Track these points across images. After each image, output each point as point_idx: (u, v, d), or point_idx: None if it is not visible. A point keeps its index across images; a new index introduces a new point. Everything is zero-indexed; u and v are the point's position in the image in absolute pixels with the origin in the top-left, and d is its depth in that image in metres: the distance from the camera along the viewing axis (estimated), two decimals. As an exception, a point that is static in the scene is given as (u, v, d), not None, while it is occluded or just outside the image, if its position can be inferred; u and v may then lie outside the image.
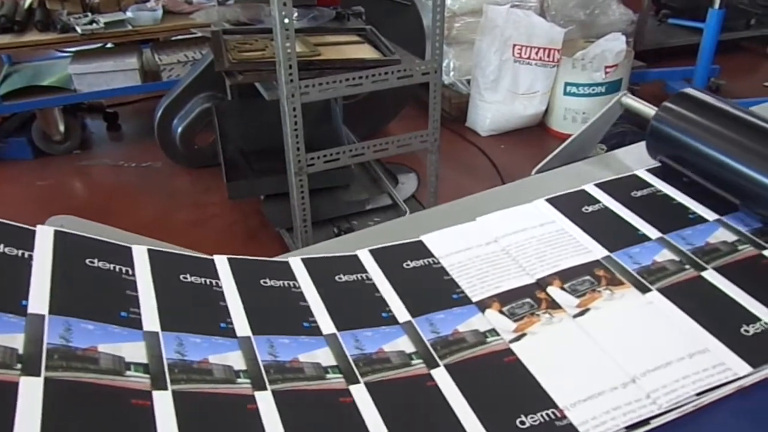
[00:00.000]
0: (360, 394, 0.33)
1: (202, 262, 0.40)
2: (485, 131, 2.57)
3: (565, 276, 0.42)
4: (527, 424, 0.32)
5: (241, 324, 0.36)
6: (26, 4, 2.42)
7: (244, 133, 2.05)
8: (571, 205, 0.48)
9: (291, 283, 0.40)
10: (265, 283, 0.40)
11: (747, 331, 0.37)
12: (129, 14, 2.37)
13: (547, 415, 0.33)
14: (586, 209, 0.48)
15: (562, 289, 0.41)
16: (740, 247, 0.44)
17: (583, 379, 0.34)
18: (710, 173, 0.46)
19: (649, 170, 0.51)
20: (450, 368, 0.35)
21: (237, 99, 2.16)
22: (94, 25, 2.28)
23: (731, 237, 0.45)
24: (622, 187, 0.50)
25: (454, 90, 2.72)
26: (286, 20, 1.37)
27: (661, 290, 0.39)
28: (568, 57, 2.45)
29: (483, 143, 2.51)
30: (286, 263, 0.42)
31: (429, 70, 1.60)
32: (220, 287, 0.39)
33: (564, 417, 0.33)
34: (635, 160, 0.53)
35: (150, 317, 0.34)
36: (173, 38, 2.62)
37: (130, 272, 0.37)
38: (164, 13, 2.41)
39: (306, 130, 1.53)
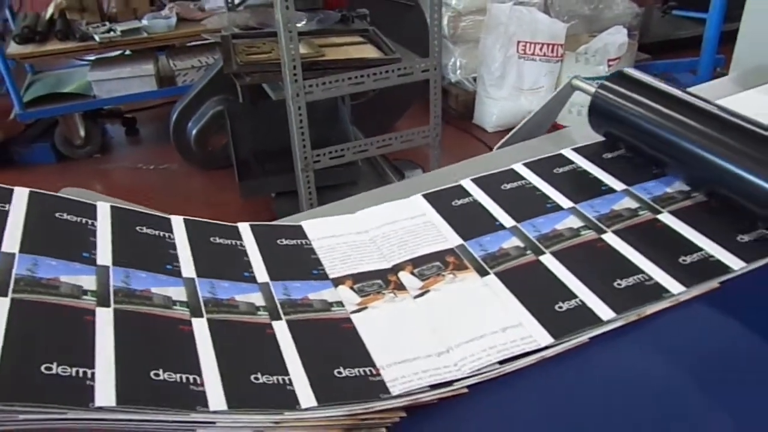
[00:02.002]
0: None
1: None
2: (492, 127, 2.62)
3: (417, 262, 0.47)
4: (343, 374, 0.37)
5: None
6: (47, 15, 2.53)
7: (256, 134, 2.13)
8: (442, 200, 0.54)
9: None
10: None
11: (561, 307, 0.41)
12: (144, 22, 2.46)
13: (364, 371, 0.38)
14: (455, 203, 0.53)
15: (412, 273, 0.46)
16: (640, 212, 0.49)
17: (405, 347, 0.40)
18: (641, 142, 0.52)
19: (574, 149, 0.57)
20: (291, 324, 0.41)
21: (248, 101, 2.24)
22: (112, 33, 2.38)
23: (633, 204, 0.50)
24: (546, 165, 0.55)
25: (461, 87, 2.77)
26: (289, 23, 1.44)
27: (497, 273, 0.45)
28: (571, 52, 2.49)
29: (490, 139, 2.56)
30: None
31: (429, 68, 1.66)
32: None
33: (378, 374, 0.37)
34: (585, 136, 0.59)
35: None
36: (187, 44, 2.71)
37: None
38: (178, 21, 2.50)
39: (314, 129, 1.60)
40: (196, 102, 2.34)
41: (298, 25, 1.71)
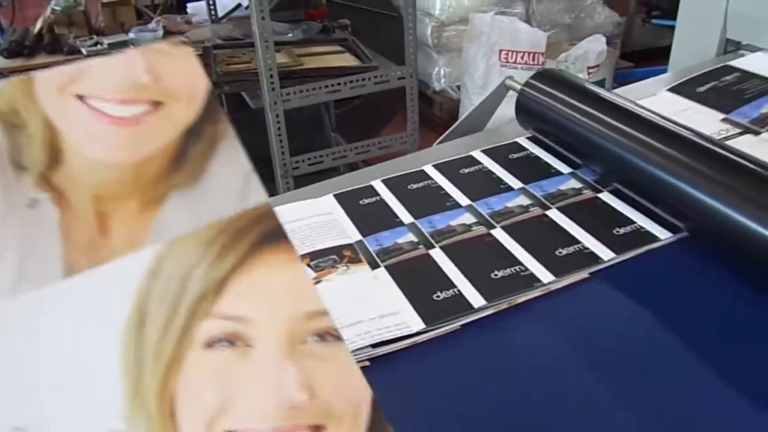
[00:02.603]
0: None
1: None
2: (476, 134, 2.65)
3: (315, 255, 0.49)
4: None
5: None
6: (36, 30, 2.56)
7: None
8: (351, 199, 0.57)
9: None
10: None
11: (438, 296, 0.45)
12: (131, 35, 2.50)
13: None
14: (363, 201, 0.57)
15: (308, 265, 0.48)
16: (583, 191, 0.53)
17: None
18: (561, 136, 0.55)
19: (529, 138, 0.60)
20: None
21: (229, 113, 2.27)
22: (98, 46, 2.41)
23: (577, 184, 0.54)
24: (501, 152, 0.59)
25: (445, 96, 2.81)
26: (265, 33, 1.48)
27: (387, 267, 0.48)
28: (552, 60, 2.53)
29: (473, 146, 2.59)
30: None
31: (405, 75, 1.70)
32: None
33: None
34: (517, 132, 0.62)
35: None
36: (175, 57, 2.75)
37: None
38: (164, 34, 2.54)
39: (296, 137, 1.63)
40: (181, 113, 2.36)
41: (284, 36, 1.75)
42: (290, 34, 1.99)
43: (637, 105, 0.52)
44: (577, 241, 0.47)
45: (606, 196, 0.52)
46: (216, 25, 2.20)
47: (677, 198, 0.45)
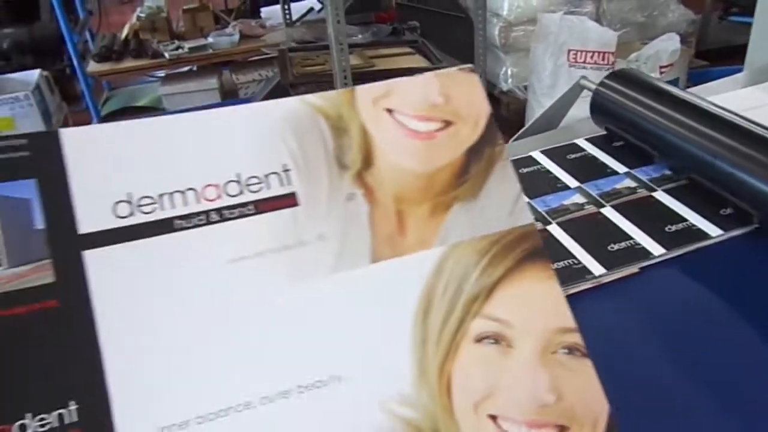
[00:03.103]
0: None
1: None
2: (542, 135, 2.64)
3: None
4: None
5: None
6: (123, 36, 2.73)
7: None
8: None
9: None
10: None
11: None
12: (210, 39, 2.63)
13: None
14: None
15: None
16: (638, 190, 0.55)
17: None
18: (636, 133, 0.57)
19: (587, 139, 0.63)
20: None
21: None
22: (180, 50, 2.56)
23: (632, 184, 0.56)
24: (559, 153, 0.61)
25: (512, 96, 2.81)
26: (340, 36, 1.54)
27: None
28: (623, 59, 2.50)
29: (540, 146, 2.58)
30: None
31: (474, 76, 1.73)
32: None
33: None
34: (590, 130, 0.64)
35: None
36: (248, 59, 2.87)
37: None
38: (240, 37, 2.66)
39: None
40: (256, 113, 2.47)
41: (353, 38, 1.81)
42: (360, 36, 2.05)
43: (712, 103, 0.54)
44: (630, 237, 0.50)
45: (660, 195, 0.54)
46: (290, 29, 2.29)
47: (749, 190, 0.47)
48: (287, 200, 0.28)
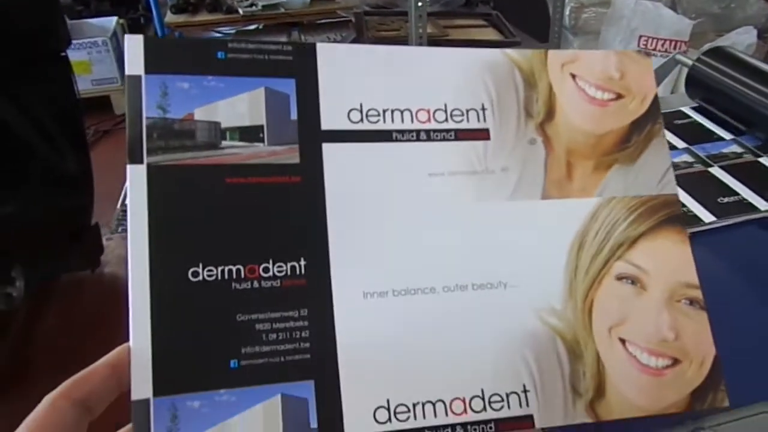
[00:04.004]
0: None
1: None
2: (604, 120, 2.63)
3: None
4: None
5: None
6: (198, -11, 2.80)
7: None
8: None
9: None
10: None
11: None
12: (283, -1, 2.68)
13: None
14: None
15: None
16: (744, 155, 0.59)
17: None
18: (731, 106, 0.61)
19: (692, 108, 0.66)
20: None
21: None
22: (254, 7, 2.61)
23: (738, 149, 0.60)
24: (667, 118, 0.65)
25: (576, 79, 2.80)
26: (419, 4, 1.57)
27: None
28: (695, 50, 2.46)
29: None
30: None
31: (547, 53, 1.74)
32: None
33: None
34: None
35: None
36: (317, 22, 2.91)
37: None
38: (312, -1, 2.70)
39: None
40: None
41: (429, 7, 1.83)
42: (435, 6, 2.07)
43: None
44: (737, 193, 0.54)
45: (766, 160, 0.58)
46: (364, -6, 2.32)
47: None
48: (481, 134, 0.33)
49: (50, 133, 1.34)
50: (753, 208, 0.53)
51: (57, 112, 1.35)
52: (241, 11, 2.60)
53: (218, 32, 3.02)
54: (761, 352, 0.42)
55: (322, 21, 2.88)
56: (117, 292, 1.65)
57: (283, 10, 2.65)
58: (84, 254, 1.55)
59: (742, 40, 2.37)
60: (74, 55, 1.45)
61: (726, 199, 0.54)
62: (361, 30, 1.82)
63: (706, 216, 0.53)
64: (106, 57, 2.65)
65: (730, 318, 0.44)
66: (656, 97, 0.34)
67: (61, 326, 1.51)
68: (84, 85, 2.47)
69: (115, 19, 2.77)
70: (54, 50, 1.35)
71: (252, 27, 2.89)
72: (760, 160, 0.59)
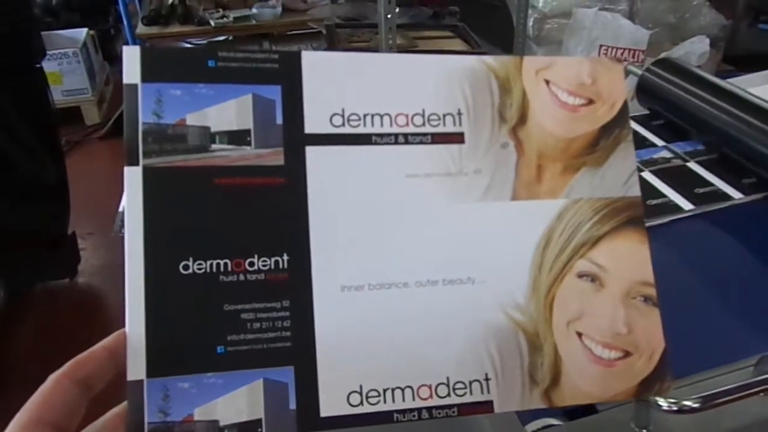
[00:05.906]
0: None
1: None
2: (568, 126, 2.71)
3: None
4: None
5: None
6: (170, 1, 2.82)
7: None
8: None
9: None
10: None
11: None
12: (254, 11, 2.72)
13: None
14: None
15: None
16: (672, 161, 0.65)
17: None
18: (675, 113, 0.67)
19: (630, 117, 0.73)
20: None
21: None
22: (225, 19, 2.65)
23: (668, 155, 0.66)
24: None
25: (541, 87, 2.88)
26: (389, 16, 1.63)
27: None
28: (652, 58, 2.56)
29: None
30: None
31: (511, 62, 1.81)
32: None
33: None
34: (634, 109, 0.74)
35: None
36: (287, 33, 2.95)
37: None
38: (283, 11, 2.74)
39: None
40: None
41: (397, 19, 1.89)
42: (402, 18, 2.13)
43: (743, 89, 0.63)
44: (665, 195, 0.60)
45: (692, 165, 0.64)
46: (334, 5, 2.37)
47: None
48: (456, 137, 0.35)
49: (27, 143, 1.36)
50: (678, 209, 0.59)
51: (33, 122, 1.37)
52: (212, 23, 2.63)
53: (189, 43, 3.04)
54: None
55: (293, 32, 2.92)
56: (92, 301, 1.66)
57: (254, 22, 2.69)
58: (62, 263, 1.56)
59: (695, 48, 2.48)
60: (45, 66, 1.47)
61: (654, 202, 0.60)
62: (333, 42, 1.87)
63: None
64: (77, 68, 2.65)
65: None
66: (625, 103, 0.36)
67: (39, 334, 1.52)
68: (55, 96, 2.47)
69: (85, 30, 2.77)
70: (29, 62, 1.38)
71: (222, 38, 2.92)
72: (688, 164, 0.65)
